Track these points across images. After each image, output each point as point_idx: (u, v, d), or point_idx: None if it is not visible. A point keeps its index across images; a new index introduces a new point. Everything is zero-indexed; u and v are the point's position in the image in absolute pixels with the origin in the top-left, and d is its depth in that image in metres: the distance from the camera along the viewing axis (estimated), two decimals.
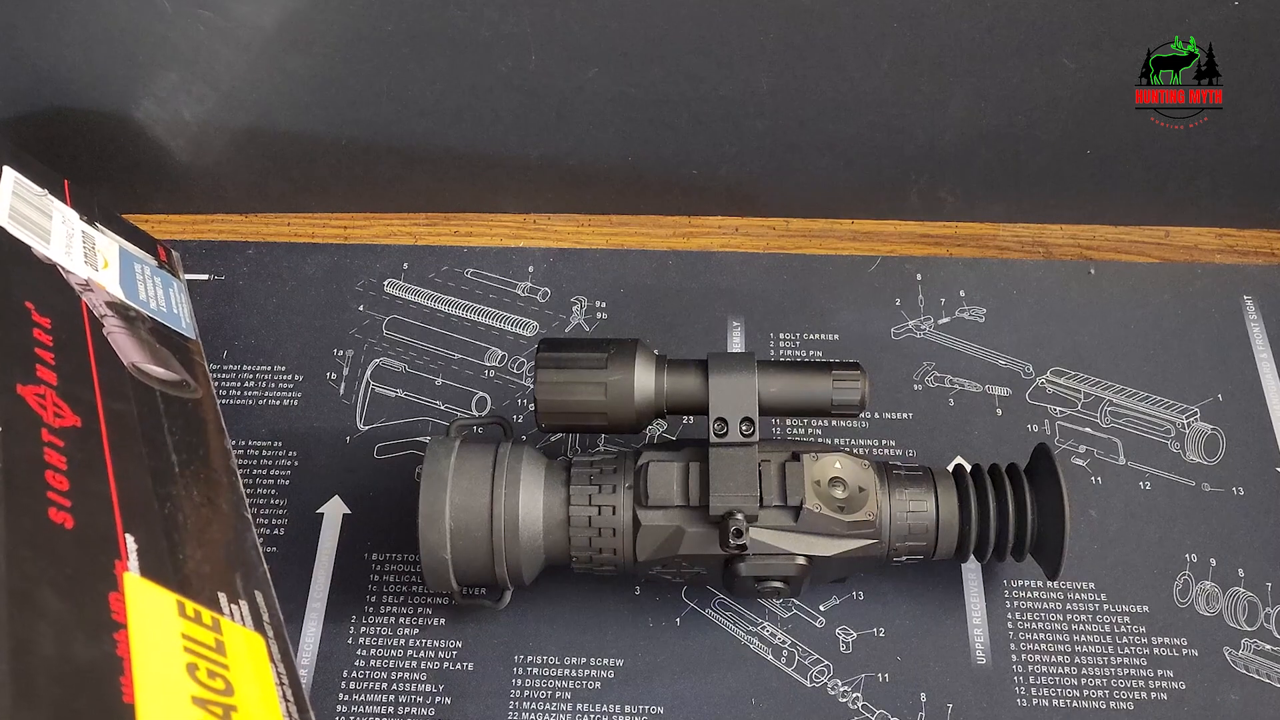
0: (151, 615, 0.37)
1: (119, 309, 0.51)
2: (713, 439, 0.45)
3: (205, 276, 0.61)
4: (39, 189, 0.51)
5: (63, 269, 0.49)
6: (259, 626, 0.44)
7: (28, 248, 0.47)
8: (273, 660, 0.43)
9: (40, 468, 0.37)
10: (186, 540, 0.43)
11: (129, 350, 0.49)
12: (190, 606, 0.39)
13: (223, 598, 0.42)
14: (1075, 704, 0.49)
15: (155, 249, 0.58)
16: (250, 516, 0.50)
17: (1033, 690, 0.49)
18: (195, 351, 0.56)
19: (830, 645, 0.50)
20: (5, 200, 0.48)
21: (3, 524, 0.33)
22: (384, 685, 0.50)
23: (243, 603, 0.44)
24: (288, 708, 0.42)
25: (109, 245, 0.54)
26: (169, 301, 0.56)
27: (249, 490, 0.53)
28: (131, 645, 0.34)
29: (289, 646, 0.46)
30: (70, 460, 0.38)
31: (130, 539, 0.39)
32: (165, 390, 0.49)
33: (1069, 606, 0.51)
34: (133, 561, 0.38)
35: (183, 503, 0.44)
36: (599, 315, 0.60)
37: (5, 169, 0.50)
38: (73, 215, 0.52)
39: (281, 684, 0.43)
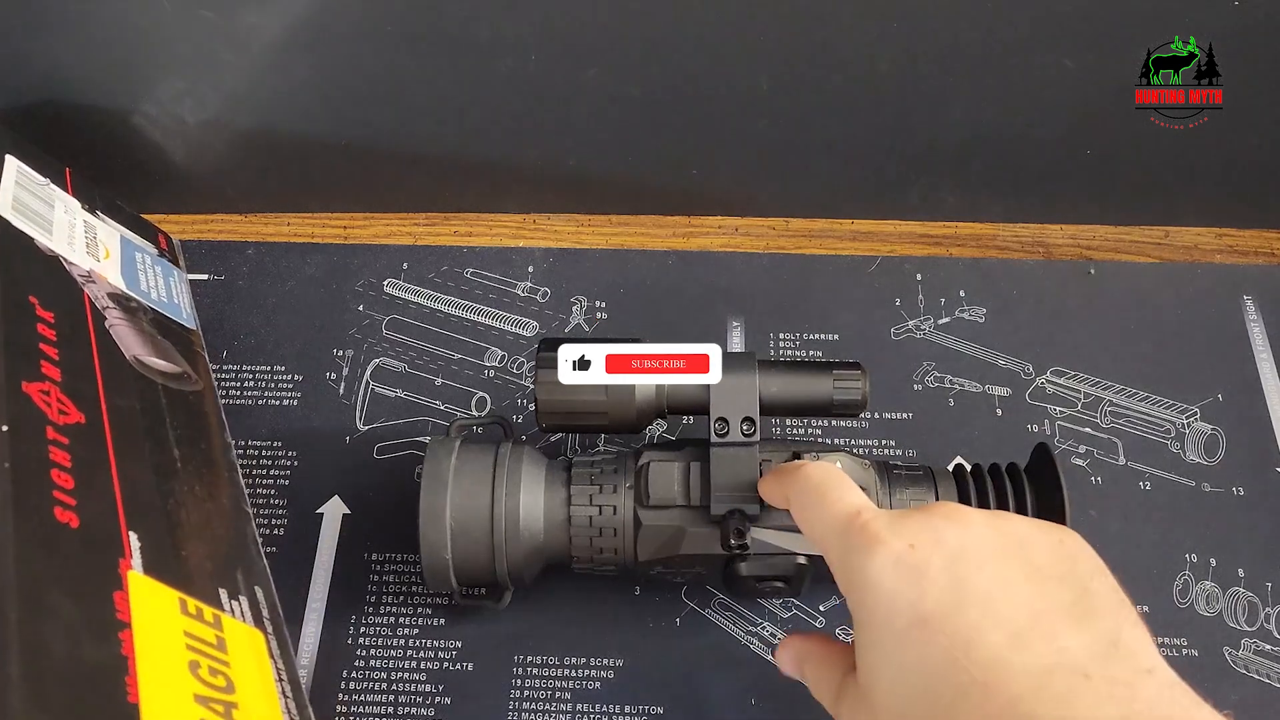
0: (155, 613, 0.37)
1: (120, 300, 0.50)
2: (713, 439, 0.45)
3: (205, 276, 0.61)
4: (41, 178, 0.50)
5: (65, 260, 0.48)
6: (259, 622, 0.44)
7: (31, 240, 0.46)
8: (272, 656, 0.43)
9: (46, 467, 0.37)
10: (188, 536, 0.42)
11: (131, 343, 0.48)
12: (192, 604, 0.39)
13: (223, 594, 0.42)
14: None
15: (155, 236, 0.58)
16: (251, 511, 0.50)
17: None
18: (196, 342, 0.55)
19: None
20: (8, 191, 0.47)
21: (11, 526, 0.33)
22: (384, 685, 0.50)
23: (243, 599, 0.44)
24: (286, 704, 0.42)
25: (110, 234, 0.53)
26: (169, 291, 0.56)
27: (249, 490, 0.53)
28: (136, 644, 0.34)
29: (289, 642, 0.45)
30: (75, 458, 0.38)
31: (133, 536, 0.39)
32: (167, 383, 0.49)
33: None
34: (136, 559, 0.38)
35: (184, 498, 0.44)
36: (599, 315, 0.60)
37: (8, 158, 0.49)
38: (74, 204, 0.52)
39: (280, 680, 0.42)
